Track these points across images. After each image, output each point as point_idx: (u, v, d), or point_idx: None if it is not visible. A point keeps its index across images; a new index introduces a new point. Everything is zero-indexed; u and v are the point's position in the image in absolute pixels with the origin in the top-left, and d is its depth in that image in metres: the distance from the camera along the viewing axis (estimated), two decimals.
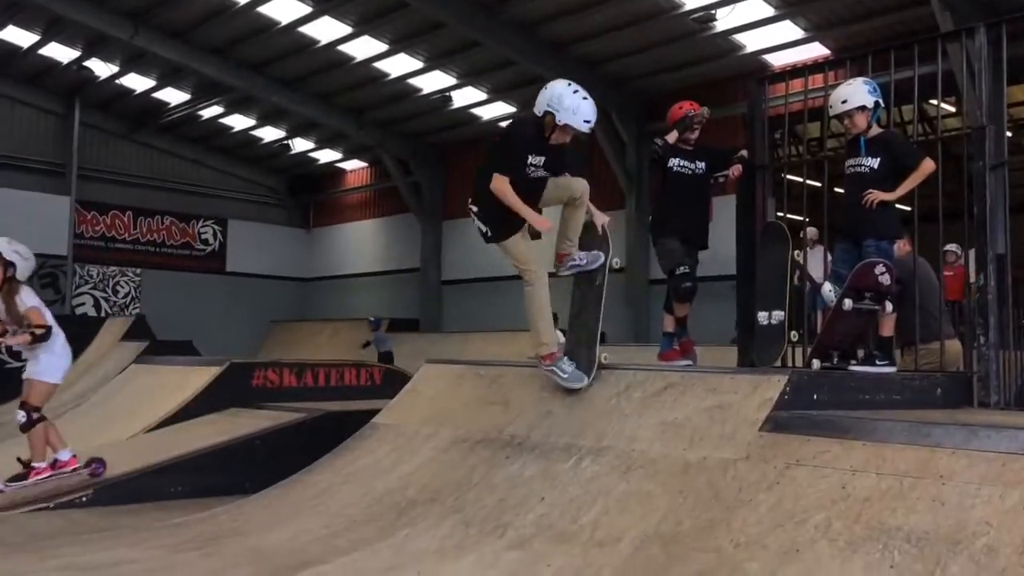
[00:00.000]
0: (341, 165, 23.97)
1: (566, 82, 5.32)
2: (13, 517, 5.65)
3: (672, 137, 6.66)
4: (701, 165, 6.76)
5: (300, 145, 22.85)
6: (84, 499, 5.96)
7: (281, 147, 22.99)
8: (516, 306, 18.84)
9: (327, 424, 7.03)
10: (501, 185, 5.21)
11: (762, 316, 6.26)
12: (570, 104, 5.23)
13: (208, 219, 23.57)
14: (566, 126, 5.25)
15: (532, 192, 5.37)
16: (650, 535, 3.92)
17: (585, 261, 5.68)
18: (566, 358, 5.37)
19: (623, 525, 4.08)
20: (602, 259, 5.66)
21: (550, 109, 5.23)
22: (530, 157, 5.26)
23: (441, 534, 4.62)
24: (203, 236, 23.48)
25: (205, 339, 17.89)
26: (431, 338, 17.62)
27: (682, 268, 6.57)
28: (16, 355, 13.19)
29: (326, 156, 23.48)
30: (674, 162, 6.66)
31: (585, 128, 5.32)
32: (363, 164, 23.53)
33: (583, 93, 5.27)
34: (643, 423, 4.75)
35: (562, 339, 5.53)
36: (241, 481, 6.27)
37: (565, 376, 5.30)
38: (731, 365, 6.48)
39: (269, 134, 22.45)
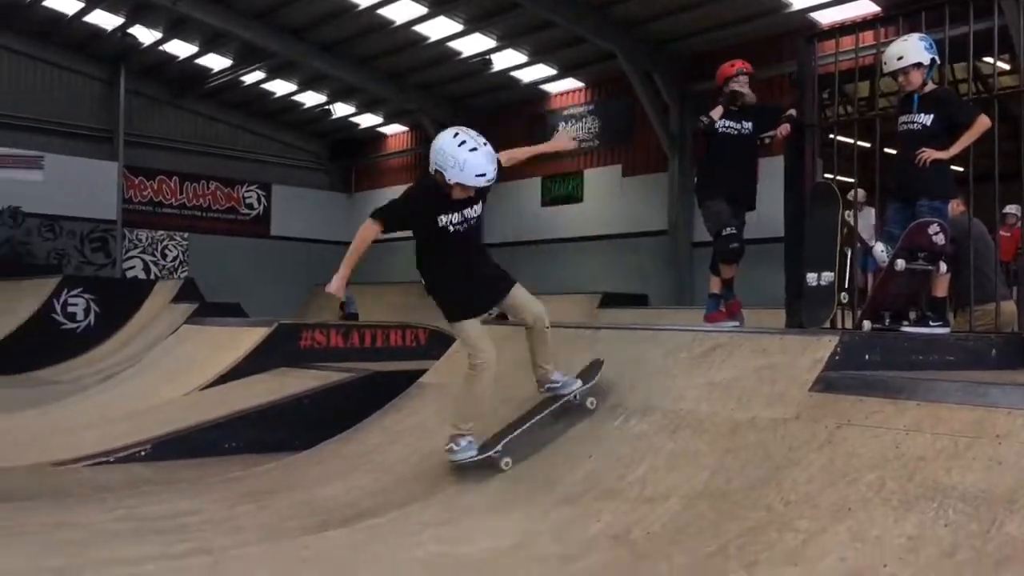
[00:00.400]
0: (382, 129, 24.03)
1: (452, 132, 4.67)
2: (76, 470, 5.84)
3: (717, 113, 6.58)
4: (748, 125, 6.69)
5: (341, 110, 22.93)
6: (143, 453, 6.14)
7: (322, 112, 23.08)
8: (558, 270, 18.94)
9: (374, 384, 7.12)
10: (363, 231, 4.70)
11: (811, 278, 6.21)
12: (455, 160, 4.56)
13: (252, 184, 23.82)
14: (458, 184, 4.62)
15: (463, 242, 4.82)
16: (699, 492, 3.95)
17: (560, 384, 5.08)
18: (471, 439, 4.83)
19: (671, 482, 4.11)
20: (576, 386, 5.07)
21: (438, 168, 4.62)
22: (441, 217, 4.69)
23: (490, 490, 4.69)
24: (247, 201, 23.76)
25: (251, 302, 18.15)
26: None
27: (729, 229, 6.54)
28: (71, 316, 13.62)
29: (367, 121, 23.54)
30: (720, 122, 6.60)
31: (481, 183, 4.62)
32: (404, 128, 23.56)
33: (472, 143, 4.58)
34: (690, 383, 4.75)
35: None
36: (291, 438, 6.41)
37: (457, 449, 4.81)
38: (779, 327, 6.44)
39: (310, 99, 22.54)
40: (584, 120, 18.78)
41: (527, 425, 4.94)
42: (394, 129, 23.82)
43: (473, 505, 4.56)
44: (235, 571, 3.69)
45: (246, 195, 23.74)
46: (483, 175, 4.60)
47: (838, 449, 3.78)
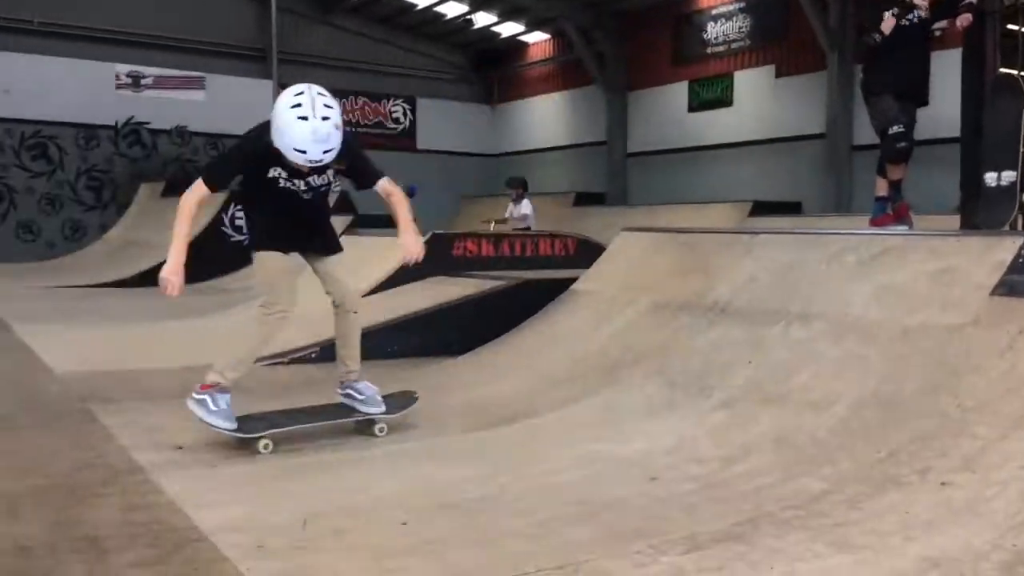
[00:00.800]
0: (524, 38, 23.73)
1: (296, 91, 3.84)
2: (254, 370, 6.25)
3: (888, 27, 6.10)
4: (921, 15, 6.21)
5: (483, 19, 22.76)
6: (312, 355, 6.52)
7: (464, 22, 22.99)
8: (706, 179, 18.48)
9: (526, 291, 7.25)
10: (187, 196, 4.02)
11: (990, 177, 5.81)
12: (277, 122, 3.77)
13: (398, 98, 24.19)
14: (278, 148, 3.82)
15: (295, 207, 4.11)
16: (867, 399, 3.85)
17: (363, 398, 4.35)
18: (227, 396, 4.08)
19: (837, 389, 4.02)
20: (377, 411, 4.37)
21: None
22: (272, 169, 3.99)
23: (646, 393, 4.74)
24: (394, 115, 24.18)
25: None
26: (618, 211, 17.54)
27: (896, 127, 6.17)
28: (239, 228, 14.43)
29: (509, 30, 23.29)
30: (889, 13, 6.15)
31: (297, 159, 3.80)
32: (546, 36, 23.19)
33: (307, 110, 3.73)
34: (858, 288, 4.58)
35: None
36: (450, 342, 6.64)
37: (214, 409, 3.98)
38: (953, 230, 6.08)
39: (452, 9, 22.45)
40: (734, 19, 17.91)
41: (298, 427, 4.29)
42: (536, 37, 23.48)
43: (629, 408, 4.63)
44: (409, 462, 3.91)
45: (392, 109, 24.16)
46: (302, 152, 3.78)
47: (1021, 355, 3.58)
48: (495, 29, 23.36)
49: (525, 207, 13.08)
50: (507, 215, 13.22)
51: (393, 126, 24.24)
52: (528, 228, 12.47)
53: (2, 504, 3.22)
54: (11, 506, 3.20)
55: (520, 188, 13.25)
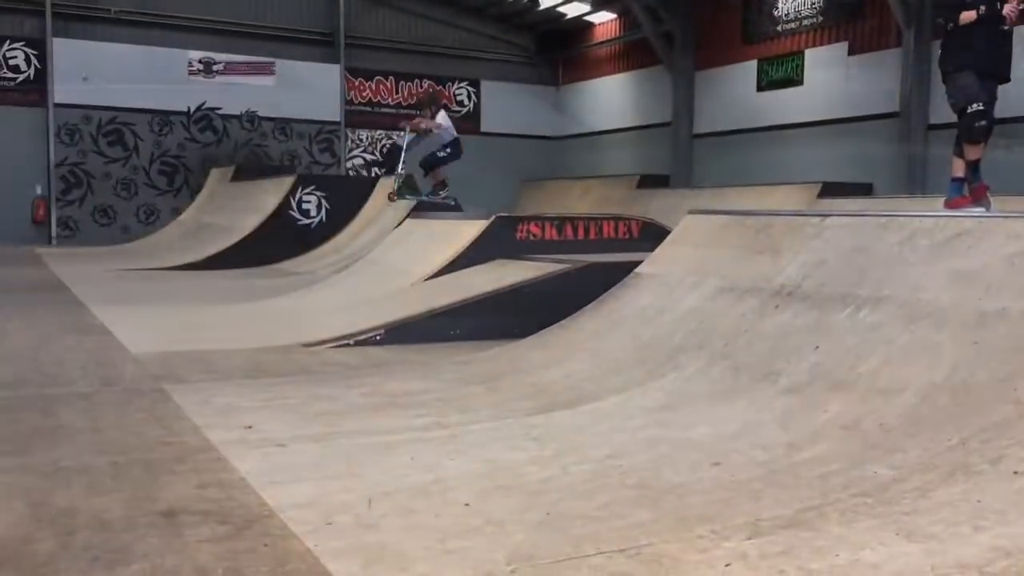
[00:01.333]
0: (589, 18, 23.54)
1: None
2: (320, 351, 6.41)
3: (967, 19, 5.86)
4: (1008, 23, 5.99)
5: (547, 0, 22.64)
6: (377, 337, 6.62)
7: (529, 3, 22.91)
8: (774, 160, 18.17)
9: (590, 275, 7.23)
10: None
11: None
12: None
13: (462, 81, 24.25)
14: None
15: None
16: (939, 385, 3.75)
17: None
18: None
19: (907, 375, 3.92)
20: None
21: None
22: None
23: (711, 378, 4.70)
24: (458, 97, 24.25)
25: (462, 198, 18.70)
26: (683, 193, 17.35)
27: (976, 105, 5.97)
28: (306, 212, 14.67)
29: (574, 10, 23.13)
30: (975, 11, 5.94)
31: None
32: (611, 16, 22.96)
33: None
34: (931, 271, 4.46)
35: None
36: (512, 326, 6.65)
37: None
38: None
39: None
40: None
41: None
42: (602, 17, 23.27)
43: (694, 392, 4.59)
44: (472, 444, 3.94)
45: (456, 92, 24.23)
46: None
47: None
48: (560, 10, 23.24)
49: (441, 118, 12.98)
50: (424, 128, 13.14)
51: (457, 109, 24.29)
52: (453, 139, 12.84)
53: (84, 479, 3.36)
54: (93, 481, 3.34)
55: (432, 107, 13.23)
